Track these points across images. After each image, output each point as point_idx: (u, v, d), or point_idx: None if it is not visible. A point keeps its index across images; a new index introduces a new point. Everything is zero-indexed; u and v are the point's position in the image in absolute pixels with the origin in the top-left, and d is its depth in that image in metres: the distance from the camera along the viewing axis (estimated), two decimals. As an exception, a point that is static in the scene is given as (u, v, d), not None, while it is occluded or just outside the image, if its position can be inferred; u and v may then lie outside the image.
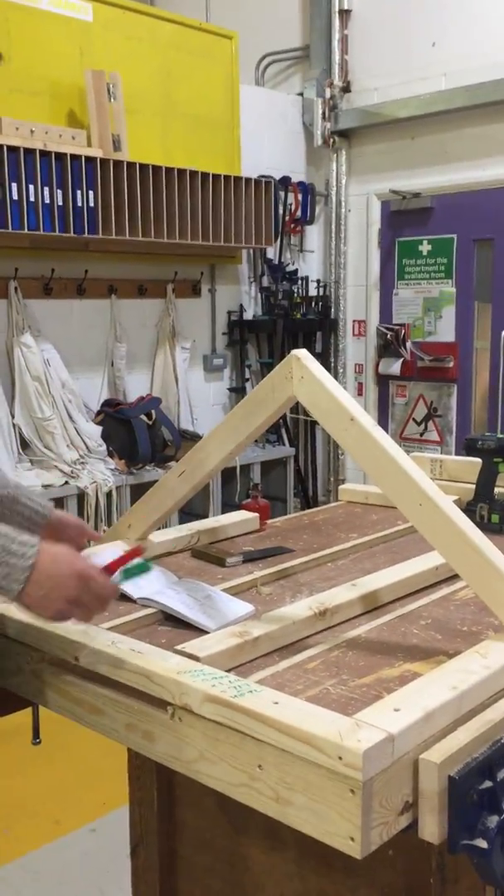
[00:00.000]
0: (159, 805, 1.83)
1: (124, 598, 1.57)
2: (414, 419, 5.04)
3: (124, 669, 1.24)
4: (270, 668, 1.31)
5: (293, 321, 5.00)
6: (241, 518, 2.06)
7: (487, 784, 1.08)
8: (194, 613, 1.49)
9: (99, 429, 4.09)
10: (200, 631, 1.44)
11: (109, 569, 1.31)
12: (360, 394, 5.27)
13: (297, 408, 1.65)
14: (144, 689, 1.22)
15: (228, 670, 1.26)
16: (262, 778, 1.08)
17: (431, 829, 1.05)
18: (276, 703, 1.09)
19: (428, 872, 1.39)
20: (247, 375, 5.02)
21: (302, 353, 1.52)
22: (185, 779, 1.78)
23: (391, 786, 1.03)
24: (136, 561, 1.37)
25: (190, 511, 4.13)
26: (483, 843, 1.07)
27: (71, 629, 1.33)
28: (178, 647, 1.31)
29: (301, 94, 5.19)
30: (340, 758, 0.99)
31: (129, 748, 1.86)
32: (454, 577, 1.68)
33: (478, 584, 1.34)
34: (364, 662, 1.32)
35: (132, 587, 1.59)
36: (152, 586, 1.60)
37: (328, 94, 5.07)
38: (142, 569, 1.39)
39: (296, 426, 5.20)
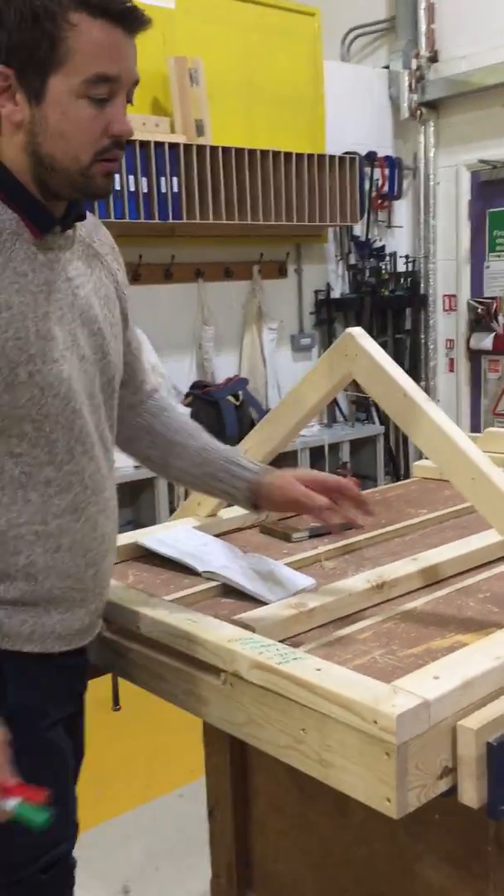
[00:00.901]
0: (232, 772, 1.90)
1: (189, 571, 1.64)
2: (507, 395, 4.94)
3: (180, 637, 1.30)
4: (323, 639, 1.35)
5: (381, 298, 4.97)
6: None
7: (529, 752, 1.10)
8: (255, 586, 1.54)
9: (188, 410, 4.18)
10: (261, 603, 1.49)
11: (7, 789, 1.11)
12: (451, 370, 5.20)
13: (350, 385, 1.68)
14: (198, 657, 1.28)
15: (282, 640, 1.31)
16: (306, 741, 1.13)
17: (471, 794, 1.08)
18: (319, 669, 1.14)
19: (485, 840, 1.42)
20: (335, 354, 5.01)
21: (357, 332, 1.54)
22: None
23: (428, 750, 1.05)
24: (36, 809, 1.08)
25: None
26: (524, 810, 1.08)
27: (132, 596, 1.41)
28: (236, 618, 1.37)
29: (387, 67, 5.12)
30: (376, 722, 1.03)
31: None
32: (508, 557, 1.68)
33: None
34: (416, 634, 1.34)
35: (197, 561, 1.65)
36: (217, 560, 1.66)
37: (415, 66, 4.98)
38: (36, 818, 1.08)
39: (386, 404, 5.18)
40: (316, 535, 1.86)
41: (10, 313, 1.14)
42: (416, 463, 2.43)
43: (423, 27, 4.96)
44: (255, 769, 1.88)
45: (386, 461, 5.02)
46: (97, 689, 1.82)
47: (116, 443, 1.44)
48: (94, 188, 1.19)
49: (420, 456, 5.34)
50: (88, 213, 1.32)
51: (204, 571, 1.62)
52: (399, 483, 2.37)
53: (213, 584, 1.59)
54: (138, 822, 2.48)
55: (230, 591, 1.57)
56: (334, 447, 4.64)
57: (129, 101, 1.19)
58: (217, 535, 1.83)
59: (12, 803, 1.09)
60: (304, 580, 1.57)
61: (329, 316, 4.93)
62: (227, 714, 1.25)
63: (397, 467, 5.21)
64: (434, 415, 1.42)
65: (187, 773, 2.73)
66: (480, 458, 1.39)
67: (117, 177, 3.68)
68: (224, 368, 4.54)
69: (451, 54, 4.92)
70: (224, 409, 4.15)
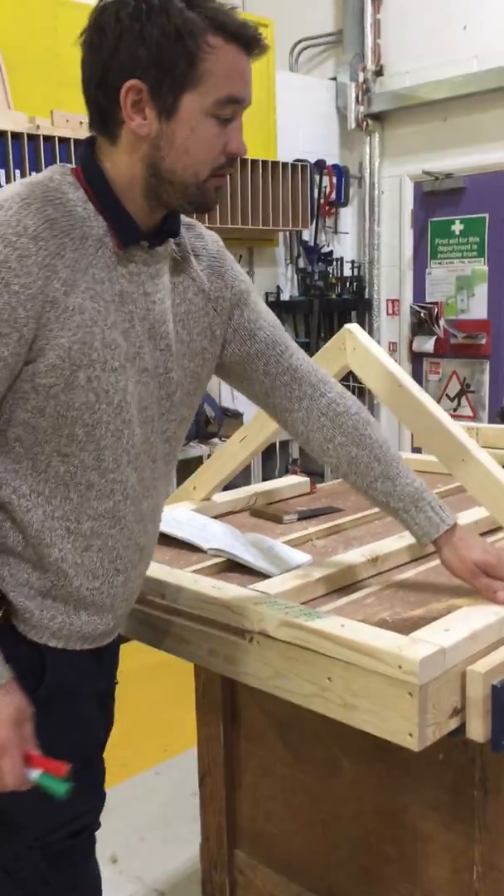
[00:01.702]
0: (225, 739, 2.02)
1: (193, 549, 1.76)
2: (447, 395, 5.18)
3: (207, 602, 1.43)
4: (331, 604, 1.49)
5: (329, 301, 5.15)
6: (294, 482, 2.24)
7: (526, 695, 1.26)
8: (259, 561, 1.67)
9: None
10: (265, 577, 1.62)
11: (32, 760, 1.20)
12: (394, 371, 5.41)
13: (347, 376, 1.82)
14: (225, 620, 1.40)
15: (295, 605, 1.44)
16: (332, 688, 1.26)
17: (477, 730, 1.23)
18: (343, 625, 1.28)
19: (471, 786, 1.57)
20: (284, 355, 5.18)
21: (354, 328, 1.69)
22: (249, 715, 1.99)
23: (442, 692, 1.20)
24: (58, 780, 1.19)
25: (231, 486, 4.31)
26: (523, 745, 1.24)
27: (156, 569, 1.52)
28: (251, 587, 1.50)
29: (335, 79, 5.31)
30: (400, 667, 1.17)
31: (197, 689, 2.06)
32: (493, 531, 1.84)
33: (515, 529, 1.51)
34: (414, 599, 1.50)
35: (202, 539, 1.78)
36: (221, 539, 1.78)
37: (361, 78, 5.19)
38: (57, 788, 1.19)
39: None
40: (304, 517, 2.00)
41: (81, 317, 1.17)
42: (383, 454, 2.60)
43: (369, 42, 5.16)
44: (247, 737, 2.01)
45: (332, 459, 5.20)
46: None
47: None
48: (206, 200, 1.24)
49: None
50: (196, 223, 1.39)
51: (209, 549, 1.75)
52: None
53: (219, 560, 1.71)
54: (119, 799, 2.58)
55: (235, 566, 1.69)
56: (284, 445, 4.80)
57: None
58: (213, 517, 1.96)
59: (35, 774, 1.18)
60: (301, 556, 1.71)
61: (279, 317, 5.08)
62: (253, 670, 1.38)
63: (343, 465, 5.40)
64: (427, 403, 1.58)
65: (161, 751, 2.84)
66: (469, 442, 1.55)
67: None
68: (179, 367, 4.64)
69: (396, 69, 5.15)
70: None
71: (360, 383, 1.91)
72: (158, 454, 1.34)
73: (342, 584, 1.57)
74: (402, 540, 1.74)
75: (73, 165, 1.25)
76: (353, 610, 1.44)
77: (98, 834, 1.48)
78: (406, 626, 1.35)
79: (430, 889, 1.70)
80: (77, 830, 1.34)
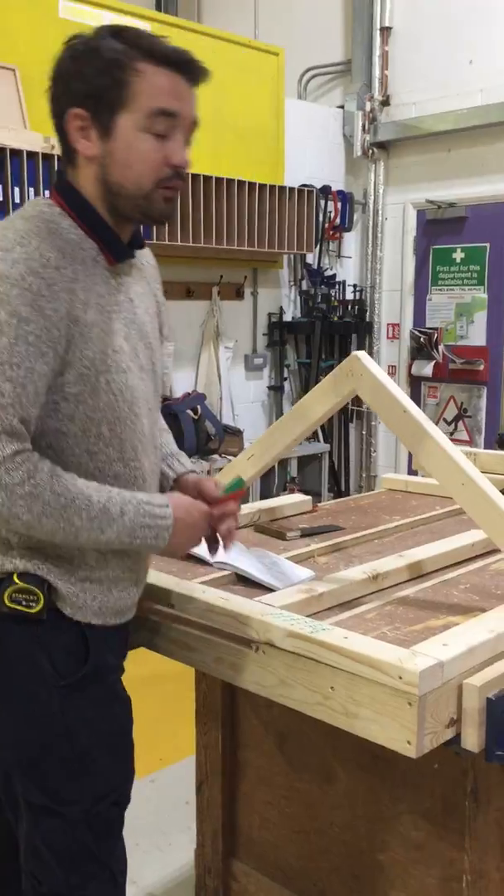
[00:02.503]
0: (223, 747, 2.08)
1: (202, 562, 1.83)
2: (445, 419, 5.26)
3: (215, 613, 1.50)
4: (334, 618, 1.55)
5: (330, 323, 5.25)
6: (296, 500, 2.31)
7: (518, 708, 1.33)
8: (263, 575, 1.74)
9: (148, 422, 4.35)
10: (268, 590, 1.69)
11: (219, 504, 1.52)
12: (392, 394, 5.49)
13: (353, 400, 1.90)
14: (232, 629, 1.47)
15: (299, 618, 1.51)
16: (334, 697, 1.33)
17: (472, 740, 1.30)
18: (346, 637, 1.35)
19: (463, 797, 1.64)
20: (285, 375, 5.27)
21: (361, 354, 1.76)
22: (247, 724, 2.05)
23: (440, 703, 1.27)
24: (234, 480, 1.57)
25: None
26: (513, 756, 1.31)
27: (165, 579, 1.59)
28: (256, 600, 1.57)
29: (342, 107, 5.43)
30: (401, 677, 1.24)
31: (197, 699, 2.12)
32: (489, 553, 1.92)
33: (511, 551, 1.59)
34: (413, 615, 1.57)
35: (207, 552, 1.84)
36: (227, 553, 1.85)
37: (368, 108, 5.31)
38: (237, 484, 1.55)
39: (330, 423, 5.45)
40: (306, 534, 2.07)
41: (97, 330, 1.34)
42: (383, 476, 2.68)
43: (377, 72, 5.29)
44: (245, 746, 2.07)
45: (329, 478, 5.29)
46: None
47: None
48: (155, 211, 1.38)
49: (359, 471, 5.64)
50: None
51: (216, 562, 1.81)
52: (369, 493, 2.61)
53: (224, 573, 1.78)
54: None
55: (240, 579, 1.76)
56: (283, 463, 4.87)
57: (188, 142, 1.40)
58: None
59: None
60: (304, 572, 1.78)
61: (281, 338, 5.19)
62: (258, 678, 1.44)
63: (339, 484, 5.48)
64: (430, 429, 1.66)
65: (156, 761, 2.89)
66: (469, 466, 1.63)
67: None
68: (182, 383, 4.73)
69: (402, 100, 5.26)
70: (184, 421, 4.34)
71: (361, 407, 1.96)
72: (156, 442, 1.54)
73: (344, 600, 1.64)
74: (401, 559, 1.81)
75: (47, 198, 1.40)
76: (355, 624, 1.51)
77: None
78: (406, 641, 1.42)
79: (419, 897, 1.76)
80: (117, 801, 1.47)
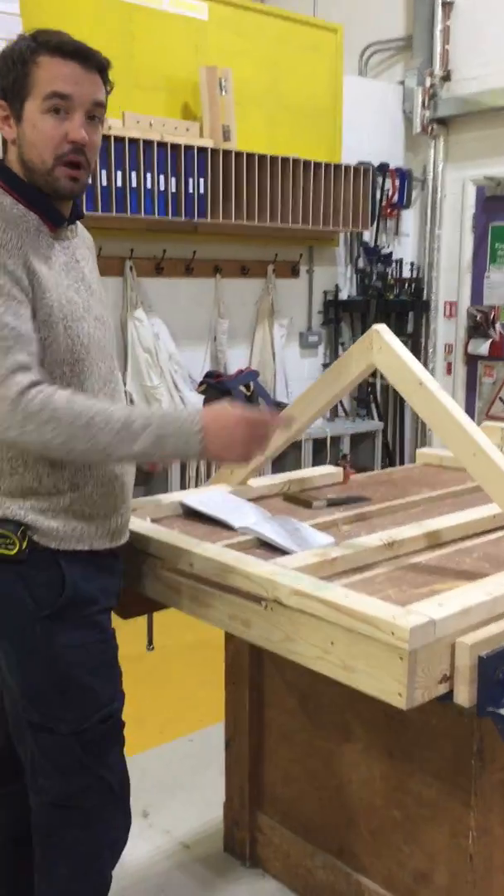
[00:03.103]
0: (250, 706, 2.18)
1: (225, 528, 1.92)
2: (501, 398, 5.23)
3: (229, 572, 1.58)
4: (344, 580, 1.62)
5: (386, 302, 5.25)
6: (327, 471, 2.37)
7: (511, 667, 1.38)
8: (284, 540, 1.82)
9: (201, 398, 4.46)
10: (287, 554, 1.76)
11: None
12: (448, 373, 5.49)
13: (373, 373, 1.96)
14: (244, 588, 1.56)
15: (311, 579, 1.58)
16: (334, 651, 1.41)
17: (464, 696, 1.36)
18: (346, 596, 1.42)
19: (469, 756, 1.70)
20: (340, 353, 5.30)
21: (381, 328, 1.82)
22: (272, 684, 2.14)
23: (432, 659, 1.34)
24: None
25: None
26: (505, 712, 1.37)
27: (187, 541, 1.69)
28: (272, 562, 1.64)
29: (402, 83, 5.40)
30: (393, 633, 1.31)
31: (226, 661, 2.22)
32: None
33: (519, 520, 1.63)
34: (421, 580, 1.63)
35: (234, 518, 1.93)
36: (250, 518, 1.94)
37: (428, 83, 5.27)
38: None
39: (385, 401, 5.47)
40: (333, 503, 2.14)
41: (51, 283, 1.52)
42: (419, 450, 2.72)
43: (438, 48, 5.24)
44: (270, 705, 2.16)
45: (383, 455, 5.31)
46: (137, 628, 2.10)
47: None
48: (59, 187, 1.55)
49: (414, 449, 5.65)
50: None
51: (239, 527, 1.90)
52: (403, 467, 2.65)
53: (247, 537, 1.86)
54: (154, 760, 2.77)
55: (262, 544, 1.84)
56: (336, 440, 4.92)
57: (94, 118, 1.56)
58: (247, 500, 2.11)
59: None
60: (324, 538, 1.85)
61: (336, 316, 5.22)
62: (266, 633, 1.53)
63: (392, 461, 5.50)
64: (445, 401, 1.71)
65: (196, 721, 3.02)
66: (481, 437, 1.67)
67: (149, 176, 3.96)
68: (236, 360, 4.82)
69: (463, 75, 5.21)
70: (236, 397, 4.42)
71: (384, 380, 2.01)
72: (119, 384, 1.69)
73: (357, 565, 1.71)
74: (419, 528, 1.86)
75: None
76: (362, 586, 1.58)
77: (132, 790, 1.72)
78: (408, 602, 1.48)
79: (430, 852, 1.83)
80: (106, 717, 1.63)
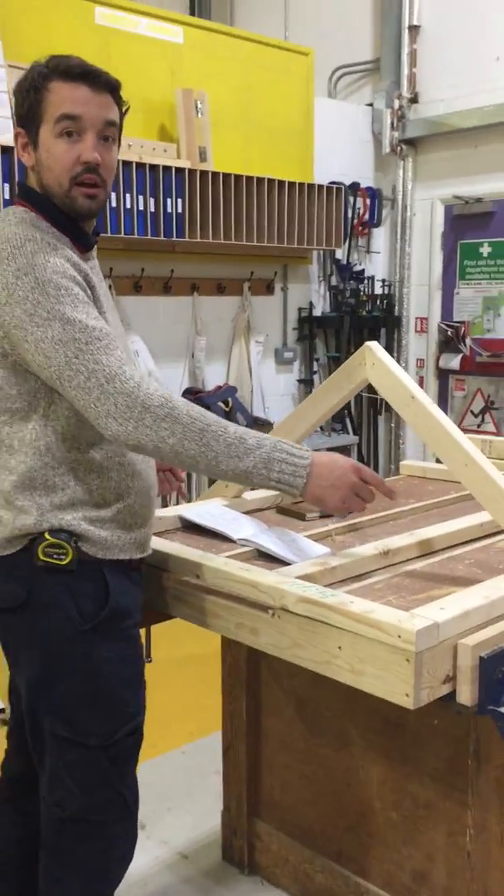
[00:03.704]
0: (248, 715, 2.23)
1: (224, 540, 1.97)
2: (472, 411, 5.35)
3: (236, 582, 1.64)
4: (345, 587, 1.68)
5: (359, 318, 5.36)
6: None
7: (510, 667, 1.45)
8: (283, 550, 1.88)
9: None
10: (287, 564, 1.82)
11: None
12: (420, 387, 5.58)
13: (366, 388, 2.03)
14: (251, 597, 1.61)
15: (313, 588, 1.64)
16: (341, 656, 1.47)
17: (466, 695, 1.42)
18: (352, 602, 1.48)
19: (466, 756, 1.77)
20: (315, 368, 5.39)
21: (373, 345, 1.89)
22: (270, 693, 2.19)
23: (436, 661, 1.40)
24: None
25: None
26: (505, 710, 1.44)
27: (193, 553, 1.74)
28: (275, 571, 1.70)
29: (371, 105, 5.53)
30: (399, 636, 1.37)
31: (223, 670, 2.27)
32: (497, 533, 2.03)
33: (510, 527, 1.71)
34: (419, 586, 1.69)
35: (232, 530, 1.99)
36: (248, 530, 1.99)
37: (396, 105, 5.40)
38: None
39: (359, 416, 5.56)
40: (325, 515, 2.20)
41: (98, 294, 1.60)
42: (403, 462, 2.80)
43: (405, 70, 5.37)
44: (267, 713, 2.21)
45: (358, 469, 5.39)
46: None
47: None
48: (76, 208, 1.59)
49: (388, 462, 5.75)
50: None
51: (239, 539, 1.95)
52: (389, 479, 2.73)
53: (247, 549, 1.92)
54: (148, 773, 2.79)
55: (261, 555, 1.90)
56: (312, 454, 4.99)
57: (107, 139, 1.59)
58: (242, 513, 2.17)
59: None
60: (320, 548, 1.91)
61: (311, 332, 5.31)
62: (274, 641, 1.58)
63: (368, 475, 5.58)
64: (436, 414, 1.78)
65: (187, 734, 3.05)
66: (472, 448, 1.75)
67: (128, 196, 4.02)
68: (213, 376, 4.88)
69: (430, 97, 5.35)
70: (215, 413, 4.47)
71: (374, 394, 2.09)
72: None
73: (356, 573, 1.77)
74: (412, 537, 1.94)
75: (14, 206, 1.62)
76: (363, 593, 1.64)
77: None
78: (409, 608, 1.54)
79: (428, 852, 1.89)
80: (132, 730, 1.66)
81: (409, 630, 1.36)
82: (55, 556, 1.55)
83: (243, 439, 1.51)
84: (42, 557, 1.55)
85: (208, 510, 2.12)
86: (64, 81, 1.54)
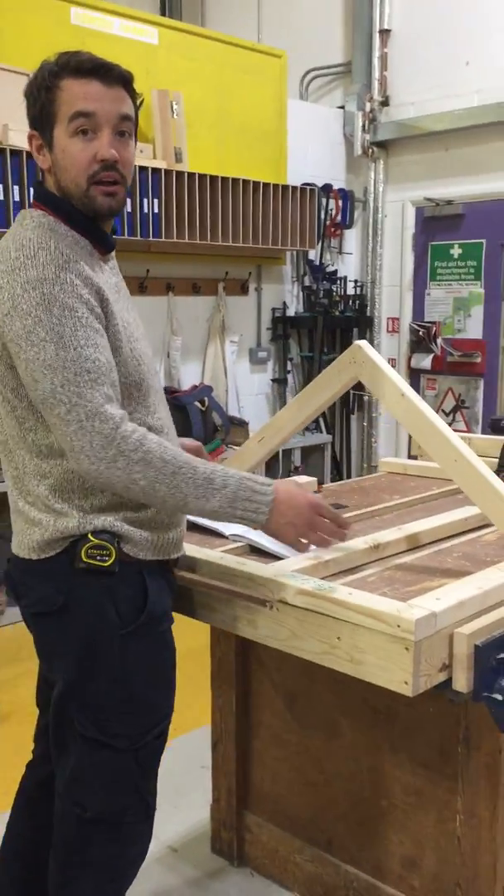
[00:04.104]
0: (237, 708, 2.26)
1: (216, 536, 2.00)
2: (443, 410, 5.43)
3: (234, 576, 1.67)
4: (339, 580, 1.72)
5: (332, 318, 5.41)
6: (302, 481, 2.48)
7: (503, 655, 1.50)
8: (274, 545, 1.91)
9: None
10: (279, 559, 1.85)
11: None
12: (392, 386, 5.66)
13: (356, 386, 2.07)
14: (249, 590, 1.64)
15: (308, 581, 1.68)
16: (340, 646, 1.50)
17: (461, 682, 1.47)
18: (351, 593, 1.52)
19: (456, 743, 1.81)
20: (288, 368, 5.44)
21: (363, 344, 1.93)
22: (259, 686, 2.22)
23: (433, 649, 1.44)
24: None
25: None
26: (499, 697, 1.48)
27: (190, 549, 1.76)
28: (270, 565, 1.73)
29: (342, 108, 5.59)
30: (399, 626, 1.41)
31: (213, 665, 2.29)
32: (481, 527, 2.08)
33: (499, 520, 1.76)
34: (411, 578, 1.74)
35: (224, 526, 2.01)
36: (240, 526, 2.02)
37: (368, 108, 5.47)
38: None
39: (332, 415, 5.62)
40: (313, 511, 2.24)
41: (115, 307, 1.55)
42: (383, 459, 2.85)
43: (376, 74, 5.45)
44: (257, 706, 2.24)
45: (331, 467, 5.46)
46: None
47: None
48: (96, 206, 1.56)
49: (360, 460, 5.81)
50: None
51: (231, 534, 1.98)
52: (371, 476, 2.77)
53: (239, 544, 1.95)
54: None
55: (253, 550, 1.93)
56: (287, 453, 5.05)
57: (123, 134, 1.56)
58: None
59: None
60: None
61: (285, 332, 5.36)
62: (272, 632, 1.61)
63: (341, 473, 5.65)
64: (426, 411, 1.83)
65: (172, 730, 3.06)
66: (460, 444, 1.79)
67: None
68: (189, 376, 4.90)
69: (401, 100, 5.43)
70: (192, 413, 4.51)
71: (366, 393, 2.12)
72: (164, 397, 1.76)
73: (348, 566, 1.81)
74: (400, 531, 1.98)
75: (32, 210, 1.59)
76: (358, 586, 1.67)
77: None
78: (404, 599, 1.59)
79: (418, 838, 1.94)
80: (160, 733, 1.67)
81: (409, 619, 1.40)
82: (98, 558, 1.53)
83: (211, 480, 1.51)
84: (85, 559, 1.53)
85: (199, 507, 2.14)
86: (75, 78, 1.49)
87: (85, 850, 1.64)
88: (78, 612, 1.56)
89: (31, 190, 1.61)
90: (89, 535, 1.54)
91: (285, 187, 4.92)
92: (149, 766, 1.67)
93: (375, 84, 5.46)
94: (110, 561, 1.54)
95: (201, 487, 1.50)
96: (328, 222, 5.49)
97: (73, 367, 1.44)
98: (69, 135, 1.51)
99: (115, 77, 1.53)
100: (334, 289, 5.51)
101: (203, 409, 4.63)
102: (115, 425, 1.45)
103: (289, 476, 5.03)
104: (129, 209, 4.14)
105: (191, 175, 4.38)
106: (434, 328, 5.38)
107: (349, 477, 5.71)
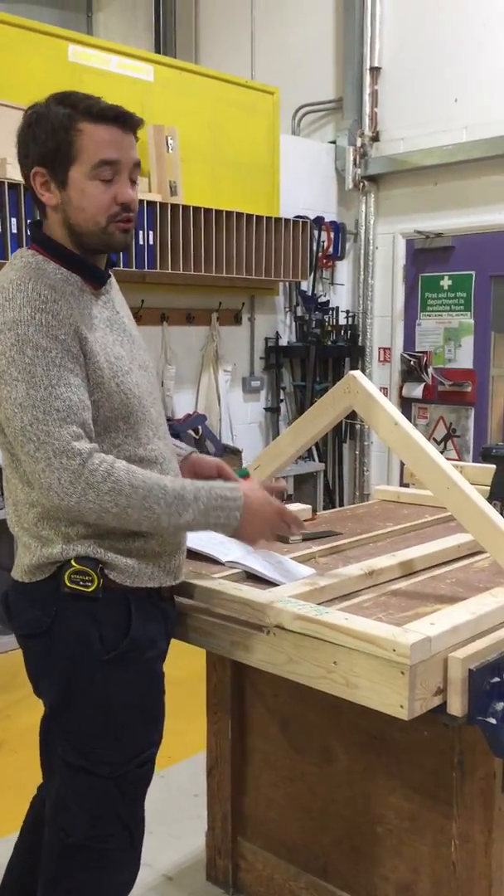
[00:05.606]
0: (232, 734, 2.27)
1: (212, 562, 2.03)
2: (434, 439, 5.48)
3: (231, 602, 1.69)
4: (336, 606, 1.75)
5: (324, 348, 5.48)
6: (297, 509, 2.51)
7: (497, 679, 1.53)
8: (270, 572, 1.94)
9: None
10: (275, 585, 1.88)
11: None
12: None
13: (350, 415, 2.11)
14: (244, 616, 1.67)
15: (304, 606, 1.71)
16: (337, 671, 1.53)
17: (456, 706, 1.49)
18: (346, 618, 1.55)
19: (450, 768, 1.83)
20: (281, 397, 5.49)
21: (357, 374, 1.97)
22: (254, 712, 2.24)
23: (428, 674, 1.47)
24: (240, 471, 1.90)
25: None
26: (493, 721, 1.51)
27: (187, 576, 1.79)
28: (266, 591, 1.76)
29: (334, 143, 5.70)
30: (394, 650, 1.44)
31: (208, 691, 2.31)
32: (474, 554, 2.12)
33: (491, 547, 1.79)
34: (405, 604, 1.77)
35: (220, 553, 2.04)
36: (235, 552, 2.05)
37: (359, 143, 5.58)
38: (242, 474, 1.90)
39: (325, 443, 5.66)
40: (308, 538, 2.27)
41: (98, 345, 1.58)
42: (376, 487, 2.89)
43: (367, 110, 5.57)
44: (252, 733, 2.26)
45: (324, 495, 5.49)
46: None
47: None
48: (114, 242, 1.62)
49: (352, 489, 5.85)
50: None
51: (227, 561, 2.01)
52: (364, 504, 2.81)
53: (235, 571, 1.97)
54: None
55: (249, 576, 1.95)
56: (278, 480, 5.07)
57: (134, 180, 1.62)
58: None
59: None
60: (306, 569, 1.97)
61: (277, 361, 5.41)
62: (269, 657, 1.64)
63: (333, 501, 5.68)
64: (419, 440, 1.87)
65: (165, 759, 3.06)
66: (453, 472, 1.83)
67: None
68: (183, 405, 4.95)
69: (391, 136, 5.54)
70: (185, 441, 4.54)
71: (361, 422, 2.17)
72: (166, 426, 1.78)
73: (343, 592, 1.84)
74: (394, 558, 2.01)
75: (26, 249, 1.64)
76: (354, 611, 1.70)
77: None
78: (399, 624, 1.62)
79: (413, 864, 1.95)
80: (144, 761, 1.68)
81: (404, 644, 1.43)
82: (81, 583, 1.57)
83: (181, 496, 1.57)
84: (69, 584, 1.57)
85: (195, 533, 2.17)
86: (96, 124, 1.53)
87: (71, 876, 1.66)
88: (62, 636, 1.59)
89: (28, 224, 1.66)
90: (72, 562, 1.58)
91: (278, 220, 5.00)
92: (132, 795, 1.68)
93: (366, 120, 5.58)
94: (93, 587, 1.58)
95: (173, 505, 1.55)
96: (320, 254, 5.57)
97: (42, 406, 1.49)
98: (90, 178, 1.55)
99: (133, 125, 1.60)
100: (326, 319, 5.59)
101: (197, 437, 4.67)
102: (83, 461, 1.49)
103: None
104: (124, 241, 4.20)
105: (185, 208, 4.46)
106: (425, 358, 5.45)
107: (341, 504, 5.74)
